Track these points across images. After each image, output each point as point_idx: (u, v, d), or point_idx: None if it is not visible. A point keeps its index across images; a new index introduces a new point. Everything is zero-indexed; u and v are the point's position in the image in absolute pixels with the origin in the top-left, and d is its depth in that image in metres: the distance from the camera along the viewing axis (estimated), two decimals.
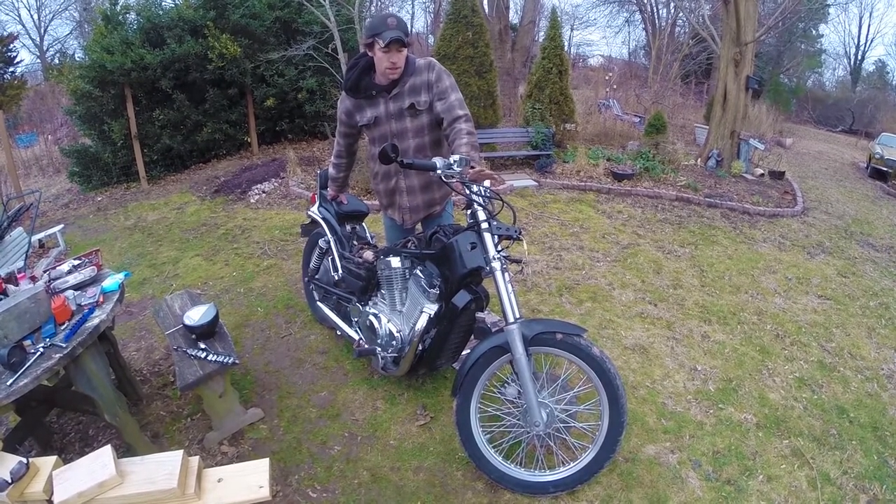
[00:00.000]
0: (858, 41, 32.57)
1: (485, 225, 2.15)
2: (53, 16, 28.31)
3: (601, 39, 54.82)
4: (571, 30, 27.79)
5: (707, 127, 10.25)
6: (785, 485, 2.53)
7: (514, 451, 2.39)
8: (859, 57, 32.94)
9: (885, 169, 12.36)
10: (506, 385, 2.34)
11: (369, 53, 2.46)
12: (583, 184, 7.58)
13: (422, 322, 2.38)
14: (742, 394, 3.20)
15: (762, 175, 9.31)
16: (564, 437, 2.35)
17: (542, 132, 8.33)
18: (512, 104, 11.90)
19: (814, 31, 26.47)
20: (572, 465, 2.30)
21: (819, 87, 30.08)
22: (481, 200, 2.16)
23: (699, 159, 9.39)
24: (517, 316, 2.14)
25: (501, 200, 2.22)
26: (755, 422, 2.96)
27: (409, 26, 2.48)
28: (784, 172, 9.49)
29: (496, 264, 2.12)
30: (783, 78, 24.28)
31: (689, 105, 17.11)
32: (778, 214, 7.28)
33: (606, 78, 15.15)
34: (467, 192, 2.13)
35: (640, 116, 12.41)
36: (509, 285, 2.15)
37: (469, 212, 2.20)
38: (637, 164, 8.18)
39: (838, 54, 33.51)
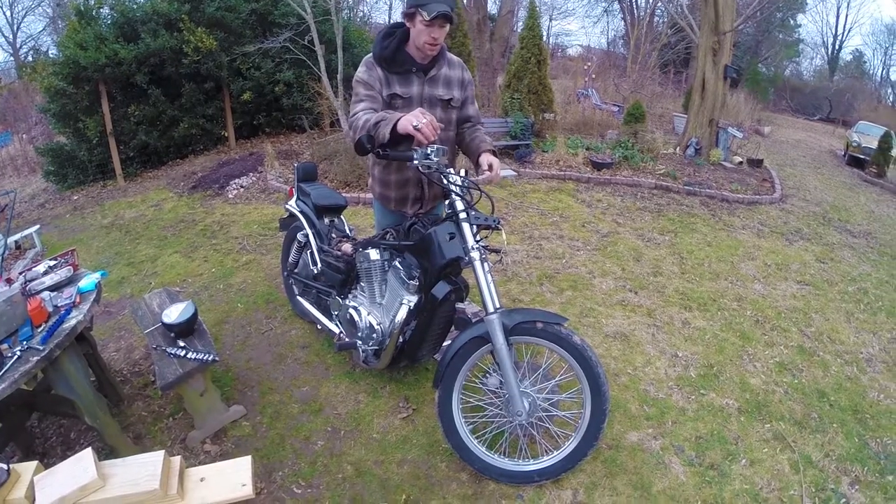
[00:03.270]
0: (836, 31, 33.18)
1: (463, 215, 2.14)
2: (26, 12, 27.59)
3: (580, 29, 54.89)
4: (550, 20, 27.85)
5: (685, 116, 10.34)
6: (768, 468, 2.57)
7: (497, 440, 2.40)
8: (837, 47, 33.55)
9: (862, 156, 12.60)
10: (487, 375, 2.34)
11: (407, 24, 2.29)
12: (562, 173, 7.60)
13: (402, 314, 2.36)
14: (723, 379, 3.24)
15: (741, 163, 9.43)
16: (547, 425, 2.36)
17: (520, 122, 8.34)
18: (490, 94, 11.89)
19: (792, 21, 26.84)
20: (556, 453, 2.31)
21: (797, 77, 30.54)
22: (459, 190, 2.15)
23: (678, 148, 9.48)
24: (497, 306, 2.13)
25: (479, 190, 2.20)
26: (737, 407, 3.00)
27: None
28: (762, 160, 9.62)
29: (475, 254, 2.11)
30: (761, 67, 24.60)
31: (667, 94, 17.24)
32: (756, 202, 7.38)
33: (585, 68, 15.19)
34: (444, 182, 2.12)
35: (618, 106, 12.48)
36: (489, 275, 2.14)
37: (447, 202, 2.18)
38: (616, 153, 8.23)
39: (816, 44, 34.08)
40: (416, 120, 1.98)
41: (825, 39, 33.81)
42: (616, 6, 26.43)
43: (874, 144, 12.11)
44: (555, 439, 2.39)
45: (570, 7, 31.78)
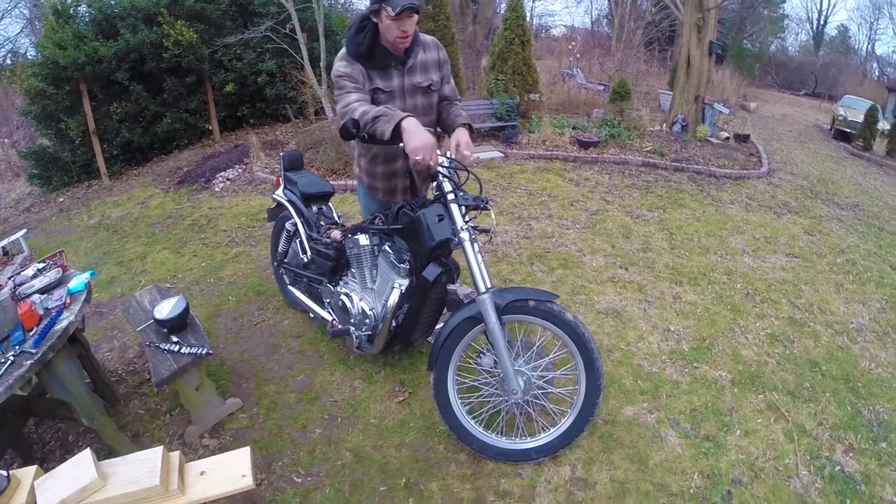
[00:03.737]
0: (821, 6, 33.42)
1: (451, 196, 2.13)
2: (3, 15, 26.92)
3: (563, 9, 54.65)
4: (533, 1, 27.65)
5: (671, 93, 10.33)
6: (762, 438, 2.61)
7: (494, 420, 2.41)
8: (822, 22, 33.63)
9: (848, 130, 12.68)
10: (481, 355, 2.35)
11: (374, 20, 2.25)
12: (549, 153, 7.58)
13: (394, 298, 2.36)
14: (715, 352, 3.28)
15: (727, 138, 9.46)
16: (543, 403, 2.38)
17: (506, 103, 8.31)
18: (475, 77, 11.80)
19: None
20: (552, 430, 2.33)
21: (782, 52, 30.55)
22: (447, 172, 2.14)
23: (664, 125, 9.48)
24: (489, 286, 2.13)
25: (467, 171, 2.20)
26: (730, 378, 3.04)
27: None
28: (749, 135, 9.66)
29: (464, 235, 2.11)
30: (746, 43, 24.59)
31: (652, 72, 17.21)
32: (744, 176, 7.42)
33: (569, 47, 15.08)
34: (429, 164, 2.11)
35: (604, 84, 12.44)
36: (479, 255, 2.14)
37: (435, 184, 2.18)
38: (602, 132, 8.22)
39: (801, 19, 34.20)
40: (421, 156, 2.03)
41: (810, 15, 33.99)
42: None
43: (860, 118, 12.18)
44: (551, 416, 2.41)
45: None
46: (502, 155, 7.49)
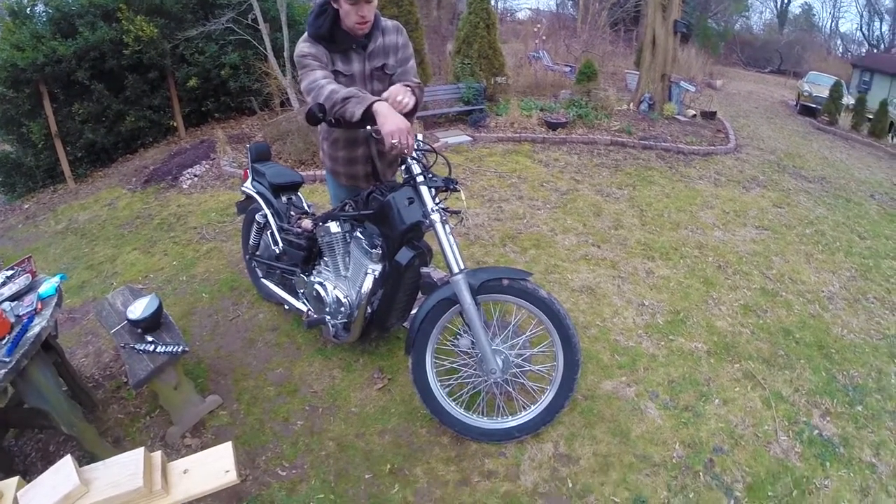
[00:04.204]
0: None
1: (420, 178, 2.13)
2: None
3: None
4: None
5: (638, 72, 10.42)
6: (740, 406, 2.68)
7: (474, 401, 2.43)
8: (786, 0, 34.03)
9: (813, 105, 12.97)
10: (458, 337, 2.36)
11: (334, 5, 2.24)
12: (517, 135, 7.60)
13: (367, 284, 2.36)
14: (690, 324, 3.35)
15: (694, 116, 9.60)
16: (522, 381, 2.40)
17: (472, 87, 8.28)
18: (441, 62, 11.74)
19: None
20: (533, 408, 2.36)
21: (747, 31, 30.95)
22: (415, 154, 2.13)
23: (631, 104, 9.58)
24: (462, 267, 2.14)
25: (435, 152, 2.19)
26: (706, 349, 3.11)
27: None
28: (715, 112, 9.81)
29: (435, 217, 2.11)
30: (711, 22, 24.83)
31: (618, 52, 17.32)
32: (712, 153, 7.54)
33: (535, 30, 15.09)
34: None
35: (570, 66, 12.49)
36: (451, 237, 2.15)
37: (403, 167, 2.17)
38: (570, 113, 8.26)
39: None
40: (399, 139, 1.99)
41: None
42: None
43: (825, 94, 12.46)
44: (531, 394, 2.44)
45: None
46: (470, 139, 7.48)
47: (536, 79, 11.13)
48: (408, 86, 2.24)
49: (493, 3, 12.38)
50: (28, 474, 2.46)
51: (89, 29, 7.63)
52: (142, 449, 1.54)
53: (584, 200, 5.33)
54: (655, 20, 9.17)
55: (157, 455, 1.59)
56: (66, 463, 1.47)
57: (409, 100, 2.09)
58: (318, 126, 2.34)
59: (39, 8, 8.15)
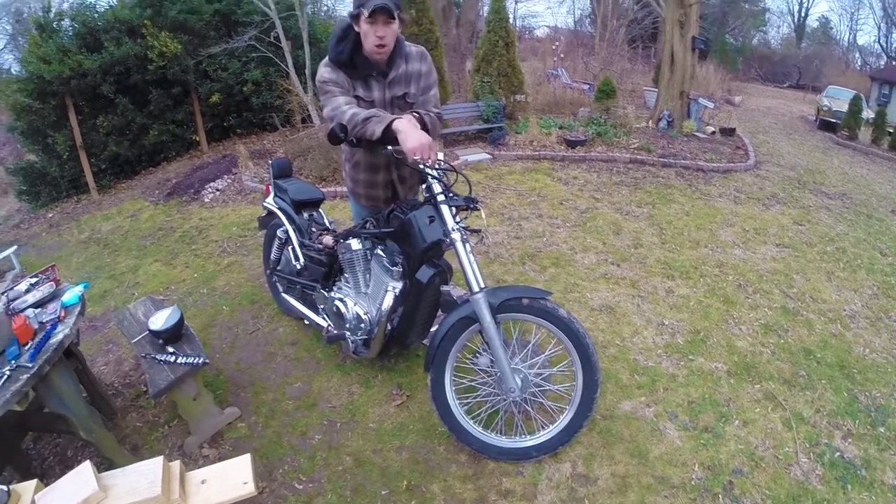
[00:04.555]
0: None
1: (441, 197, 2.15)
2: None
3: (546, 10, 54.84)
4: (516, 3, 27.79)
5: (656, 90, 10.42)
6: (761, 427, 2.63)
7: (493, 419, 2.42)
8: (803, 14, 33.89)
9: (833, 120, 12.80)
10: (478, 355, 2.36)
11: (356, 28, 2.22)
12: (537, 153, 7.60)
13: (388, 301, 2.37)
14: (710, 344, 3.31)
15: (713, 133, 9.54)
16: (541, 400, 2.38)
17: (492, 105, 8.33)
18: (460, 80, 11.83)
19: None
20: (551, 427, 2.34)
21: (765, 45, 30.86)
22: (436, 173, 2.15)
23: (650, 121, 9.55)
24: (482, 285, 2.14)
25: (456, 172, 2.21)
26: (726, 370, 3.06)
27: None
28: (735, 129, 9.74)
29: (455, 235, 2.12)
30: (729, 38, 24.82)
31: (637, 70, 17.35)
32: (731, 170, 7.48)
33: (553, 48, 15.16)
34: (421, 166, 2.12)
35: (589, 84, 12.51)
36: (471, 256, 2.15)
37: (424, 186, 2.19)
38: (589, 130, 8.27)
39: (782, 12, 34.45)
40: (420, 155, 2.01)
41: (791, 7, 34.24)
42: None
43: (845, 108, 12.29)
44: (549, 414, 2.42)
45: None
46: (490, 157, 7.52)
47: (555, 96, 11.16)
48: (417, 113, 2.25)
49: (511, 21, 12.46)
50: (45, 478, 2.49)
51: (114, 44, 7.86)
52: (161, 458, 1.56)
53: (604, 219, 5.31)
54: (673, 37, 9.18)
55: (176, 465, 1.61)
56: (86, 468, 1.50)
57: (425, 161, 2.07)
58: (342, 146, 2.37)
59: (66, 22, 8.40)
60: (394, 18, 2.16)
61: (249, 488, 1.60)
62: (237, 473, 1.64)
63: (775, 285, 4.11)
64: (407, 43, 2.42)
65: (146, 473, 1.54)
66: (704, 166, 7.39)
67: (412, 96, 2.45)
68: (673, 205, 5.84)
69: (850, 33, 35.34)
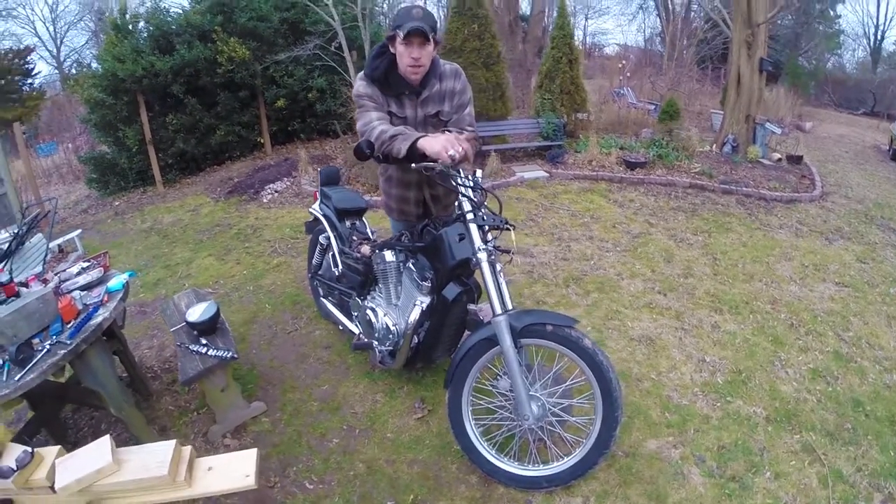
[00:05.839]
0: (877, 21, 31.24)
1: (470, 216, 2.14)
2: (69, 27, 28.77)
3: (616, 28, 54.11)
4: (586, 19, 27.57)
5: (723, 112, 10.04)
6: (794, 482, 2.44)
7: (508, 444, 2.38)
8: (879, 37, 31.71)
9: None
10: (498, 378, 2.33)
11: (391, 49, 2.27)
12: (595, 173, 7.48)
13: (415, 315, 2.38)
14: (752, 386, 3.12)
15: (779, 160, 9.10)
16: (558, 431, 2.32)
17: (552, 122, 8.26)
18: (525, 95, 11.78)
19: (831, 12, 25.69)
20: (565, 460, 2.27)
21: (839, 69, 29.13)
22: (466, 191, 2.15)
23: (714, 145, 9.21)
24: (507, 307, 2.12)
25: (486, 191, 2.20)
26: (765, 415, 2.87)
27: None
28: (802, 156, 9.25)
29: (482, 255, 2.10)
30: (801, 60, 23.66)
31: (705, 91, 16.76)
32: (795, 200, 7.11)
33: (620, 66, 14.90)
34: (452, 183, 2.12)
35: (654, 104, 12.20)
36: (500, 276, 2.14)
37: (456, 203, 2.19)
38: (650, 152, 8.07)
39: (857, 35, 32.31)
40: (451, 149, 2.01)
41: (867, 30, 32.05)
42: (651, 2, 25.95)
43: None
44: (566, 445, 2.35)
45: (605, 5, 31.22)
46: (547, 174, 7.46)
47: (619, 116, 10.94)
48: (449, 131, 2.27)
49: (580, 38, 12.35)
50: (78, 445, 2.63)
51: (186, 47, 8.24)
52: (174, 441, 1.64)
53: (656, 245, 5.16)
54: (740, 58, 8.83)
55: (188, 449, 1.69)
56: (105, 441, 1.61)
57: (457, 152, 2.04)
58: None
59: (141, 25, 8.88)
60: (429, 41, 2.18)
61: (250, 481, 1.65)
62: (242, 466, 1.70)
63: (830, 327, 3.86)
64: (442, 61, 2.44)
65: (158, 453, 1.63)
66: (767, 195, 7.06)
67: (445, 114, 2.46)
68: (730, 234, 5.61)
69: None
